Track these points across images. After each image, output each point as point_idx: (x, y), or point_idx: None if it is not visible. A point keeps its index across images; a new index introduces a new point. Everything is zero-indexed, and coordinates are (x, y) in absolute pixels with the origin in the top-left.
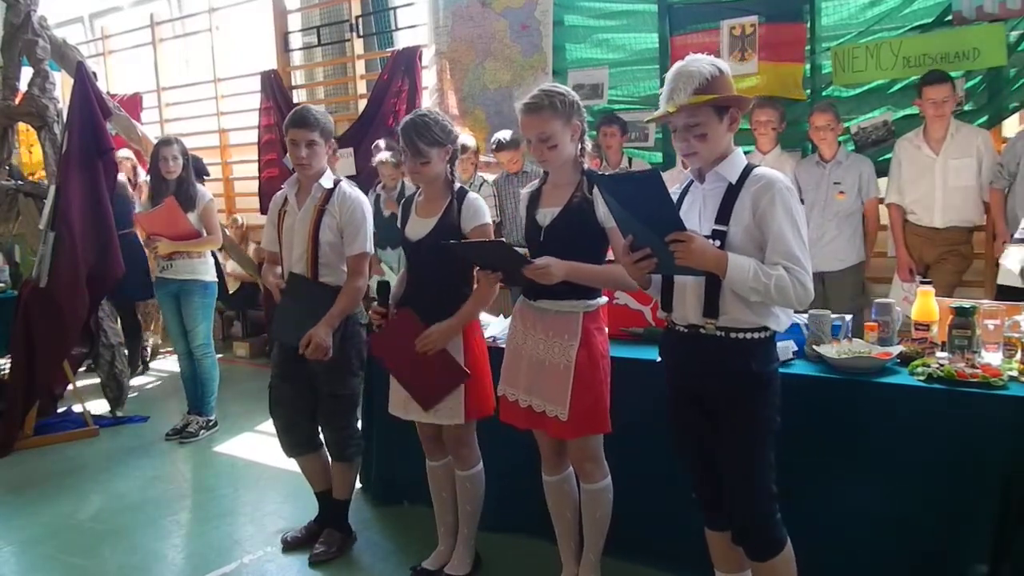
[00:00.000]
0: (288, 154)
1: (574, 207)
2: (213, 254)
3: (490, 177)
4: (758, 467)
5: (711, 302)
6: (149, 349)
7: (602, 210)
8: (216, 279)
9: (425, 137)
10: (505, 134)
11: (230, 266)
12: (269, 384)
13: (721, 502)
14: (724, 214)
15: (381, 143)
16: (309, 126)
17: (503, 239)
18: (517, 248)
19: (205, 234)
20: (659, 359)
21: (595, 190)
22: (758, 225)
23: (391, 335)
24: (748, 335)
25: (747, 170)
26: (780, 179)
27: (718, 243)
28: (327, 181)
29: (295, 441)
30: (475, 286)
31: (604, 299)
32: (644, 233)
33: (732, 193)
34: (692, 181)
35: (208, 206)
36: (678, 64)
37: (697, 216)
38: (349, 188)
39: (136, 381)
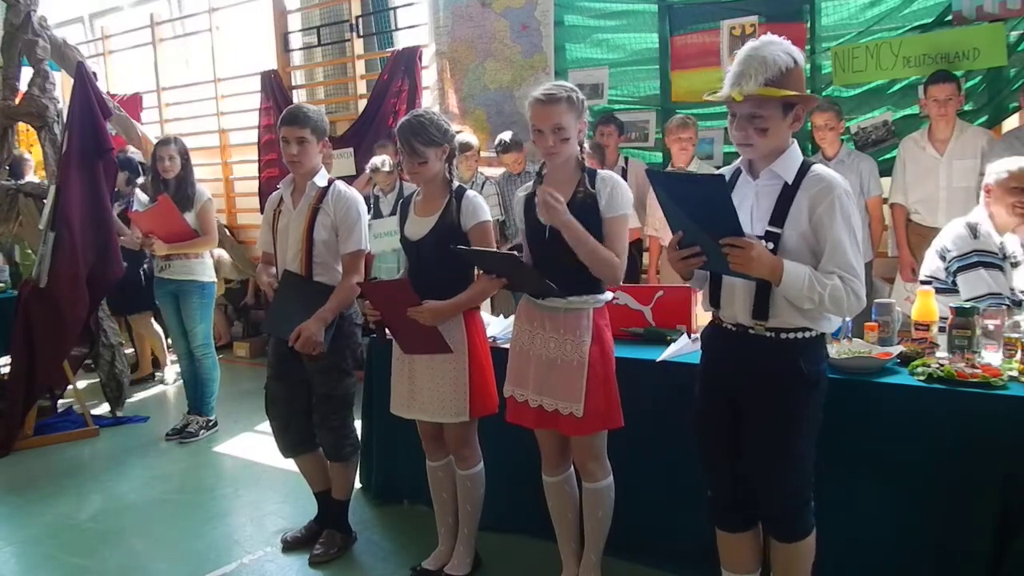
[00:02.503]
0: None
1: (578, 203)
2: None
3: (493, 172)
4: (797, 457)
5: (761, 304)
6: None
7: (604, 203)
8: (214, 279)
9: (421, 137)
10: (509, 135)
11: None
12: (265, 384)
13: (742, 504)
14: (779, 216)
15: (385, 156)
16: (299, 123)
17: (514, 253)
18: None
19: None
20: (660, 359)
21: (598, 184)
22: (814, 230)
23: (386, 292)
24: (798, 334)
25: (803, 168)
26: (839, 183)
27: (771, 245)
28: (321, 180)
29: (291, 441)
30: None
31: (610, 295)
32: (695, 232)
33: (788, 193)
34: (739, 171)
35: (205, 206)
36: (752, 45)
37: (748, 214)
38: (343, 187)
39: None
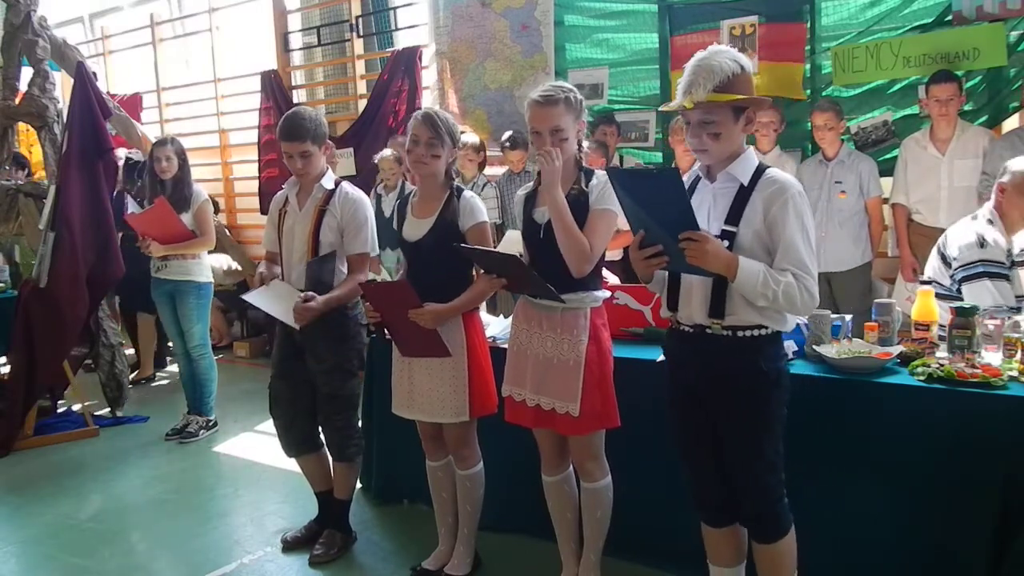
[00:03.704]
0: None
1: (571, 201)
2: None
3: (494, 172)
4: (770, 456)
5: (717, 302)
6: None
7: (594, 197)
8: (211, 280)
9: (446, 127)
10: (518, 133)
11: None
12: (269, 384)
13: (724, 501)
14: (735, 215)
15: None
16: (299, 138)
17: (515, 254)
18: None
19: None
20: (660, 359)
21: (592, 182)
22: (768, 229)
23: (386, 293)
24: (755, 332)
25: (759, 171)
26: (793, 184)
27: (727, 243)
28: (328, 182)
29: (295, 440)
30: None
31: (607, 293)
32: (655, 230)
33: (743, 194)
34: (699, 177)
35: (202, 206)
36: (699, 56)
37: (706, 215)
38: (351, 189)
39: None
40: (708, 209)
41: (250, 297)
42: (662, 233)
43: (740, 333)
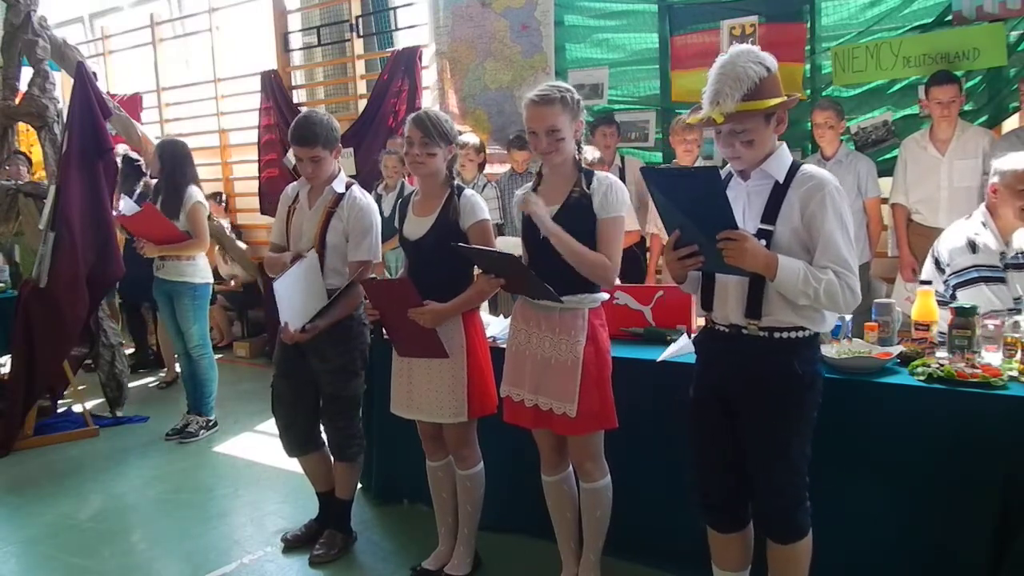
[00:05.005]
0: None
1: (572, 203)
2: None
3: (495, 171)
4: (794, 458)
5: (754, 303)
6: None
7: (598, 203)
8: (208, 280)
9: (438, 128)
10: (523, 133)
11: (224, 269)
12: (271, 383)
13: (734, 504)
14: (771, 213)
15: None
16: (309, 143)
17: (514, 254)
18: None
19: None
20: (660, 359)
21: (594, 185)
22: (806, 226)
23: (387, 291)
24: (791, 334)
25: (793, 168)
26: (830, 179)
27: (764, 242)
28: (339, 185)
29: (296, 440)
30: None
31: (605, 295)
32: (691, 230)
33: (779, 192)
34: (732, 176)
35: (195, 207)
36: (723, 61)
37: (741, 214)
38: (360, 194)
39: (138, 381)
40: (743, 207)
41: (280, 283)
42: (698, 233)
43: (777, 335)
